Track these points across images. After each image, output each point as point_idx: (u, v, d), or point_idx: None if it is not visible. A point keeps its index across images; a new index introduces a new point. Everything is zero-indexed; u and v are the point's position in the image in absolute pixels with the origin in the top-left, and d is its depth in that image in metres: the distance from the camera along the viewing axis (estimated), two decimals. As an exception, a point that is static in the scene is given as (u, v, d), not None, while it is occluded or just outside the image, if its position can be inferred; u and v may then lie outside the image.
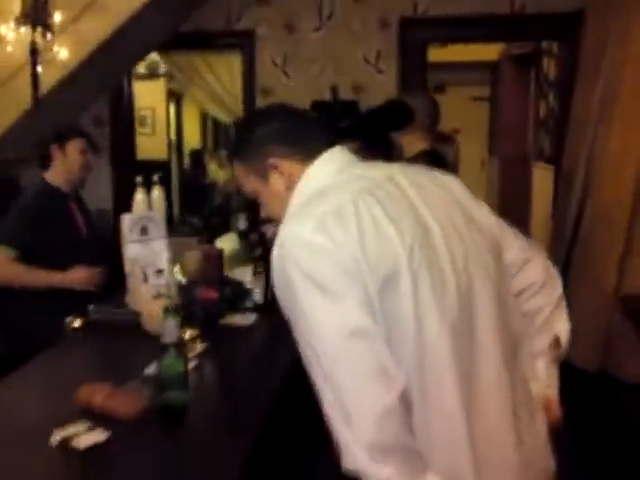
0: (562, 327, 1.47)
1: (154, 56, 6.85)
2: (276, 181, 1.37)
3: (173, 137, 8.46)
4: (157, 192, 2.61)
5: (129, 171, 5.13)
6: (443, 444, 1.18)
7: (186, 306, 2.14)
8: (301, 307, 1.15)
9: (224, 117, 7.52)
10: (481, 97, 8.34)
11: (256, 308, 2.44)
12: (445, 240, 1.24)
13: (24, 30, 3.72)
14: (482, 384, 1.22)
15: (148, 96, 7.34)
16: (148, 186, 2.66)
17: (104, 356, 2.14)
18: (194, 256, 2.57)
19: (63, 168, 2.93)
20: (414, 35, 4.77)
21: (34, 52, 3.75)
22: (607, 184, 3.97)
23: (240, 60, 5.20)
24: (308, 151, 1.35)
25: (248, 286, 2.51)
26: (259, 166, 1.38)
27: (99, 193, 4.75)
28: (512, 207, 6.53)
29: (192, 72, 7.01)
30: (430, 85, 5.32)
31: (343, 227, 1.16)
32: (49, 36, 3.77)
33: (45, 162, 2.97)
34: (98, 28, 3.94)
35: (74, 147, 2.87)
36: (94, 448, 1.44)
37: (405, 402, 1.13)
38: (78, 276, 2.84)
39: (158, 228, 2.44)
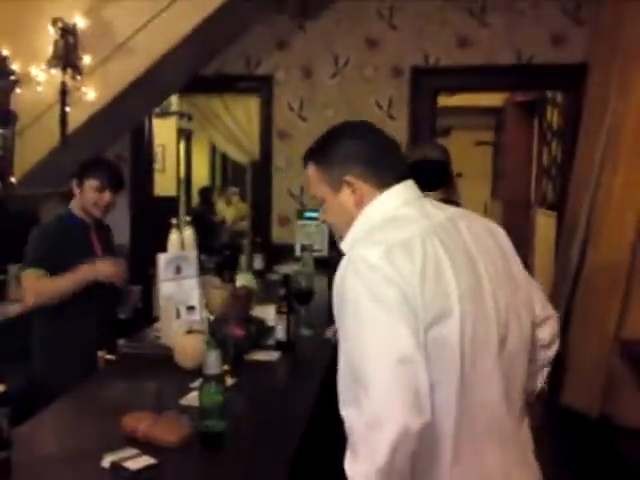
0: (539, 385, 1.59)
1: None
2: (347, 197, 1.41)
3: (182, 174, 8.54)
4: (189, 232, 2.69)
5: (145, 207, 5.27)
6: None
7: (220, 342, 2.24)
8: (357, 316, 1.21)
9: (241, 158, 7.56)
10: (485, 142, 8.44)
11: (278, 345, 2.52)
12: (492, 292, 1.33)
13: (55, 72, 3.89)
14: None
15: (160, 134, 7.40)
16: (165, 225, 2.73)
17: (139, 387, 2.23)
18: (221, 294, 2.67)
19: (80, 203, 2.98)
20: (425, 84, 4.93)
21: (64, 92, 3.92)
22: (609, 231, 4.08)
23: (257, 102, 5.34)
24: (384, 178, 1.40)
25: (270, 324, 2.61)
26: (335, 178, 1.42)
27: (117, 228, 4.82)
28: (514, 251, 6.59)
29: (210, 113, 7.05)
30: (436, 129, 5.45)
31: (410, 260, 1.23)
32: (78, 78, 3.94)
33: (68, 194, 3.03)
34: (125, 70, 4.08)
35: (90, 184, 2.87)
36: (144, 470, 1.53)
37: (420, 440, 1.16)
38: (104, 266, 2.80)
39: (191, 267, 2.53)
